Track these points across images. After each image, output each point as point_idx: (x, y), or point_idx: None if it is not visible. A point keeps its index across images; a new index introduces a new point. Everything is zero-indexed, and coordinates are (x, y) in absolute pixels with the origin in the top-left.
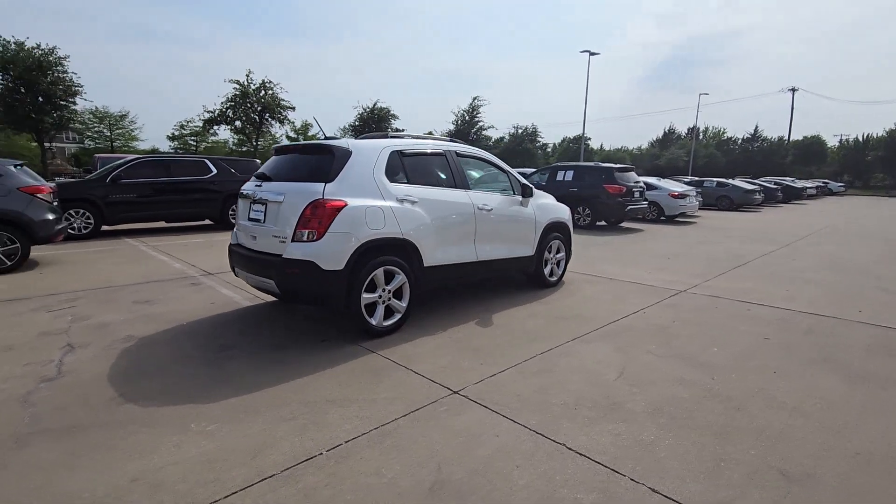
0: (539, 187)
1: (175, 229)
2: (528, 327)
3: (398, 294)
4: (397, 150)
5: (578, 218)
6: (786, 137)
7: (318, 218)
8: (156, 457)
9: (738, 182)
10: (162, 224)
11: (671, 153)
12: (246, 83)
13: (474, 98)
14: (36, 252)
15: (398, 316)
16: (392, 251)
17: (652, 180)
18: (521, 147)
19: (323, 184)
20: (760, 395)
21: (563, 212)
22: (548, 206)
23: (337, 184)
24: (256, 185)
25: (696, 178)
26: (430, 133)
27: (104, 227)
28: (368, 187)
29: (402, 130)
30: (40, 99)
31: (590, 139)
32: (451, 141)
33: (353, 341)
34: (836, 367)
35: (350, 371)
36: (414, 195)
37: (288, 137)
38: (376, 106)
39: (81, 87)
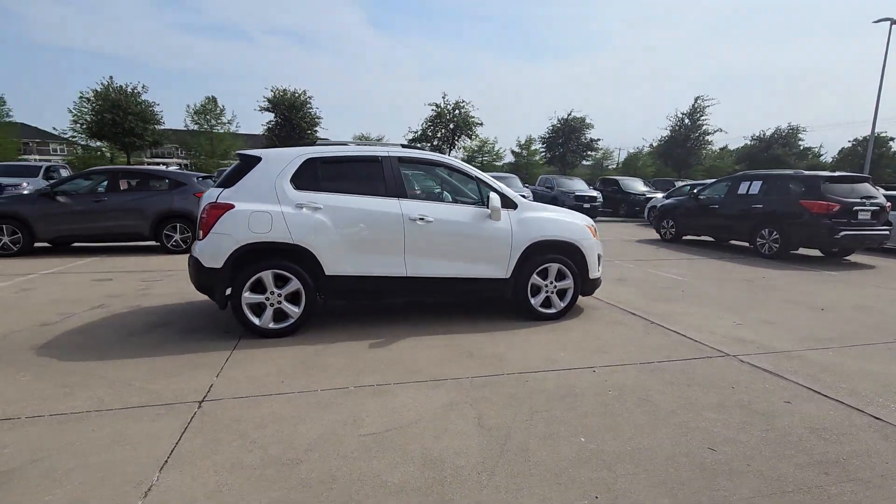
0: (707, 202)
1: None
2: (418, 358)
3: (294, 299)
4: (313, 158)
5: (763, 244)
6: None
7: (207, 219)
8: None
9: None
10: None
11: None
12: (442, 105)
13: (697, 98)
14: None
15: (291, 320)
16: (282, 256)
17: None
18: (766, 153)
19: (222, 189)
20: None
21: (567, 229)
22: (537, 222)
23: (234, 189)
24: None
25: None
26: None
27: None
28: (265, 193)
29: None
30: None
31: (892, 139)
32: (406, 147)
33: (240, 337)
34: None
35: (173, 362)
36: (319, 202)
37: (467, 150)
38: (570, 116)
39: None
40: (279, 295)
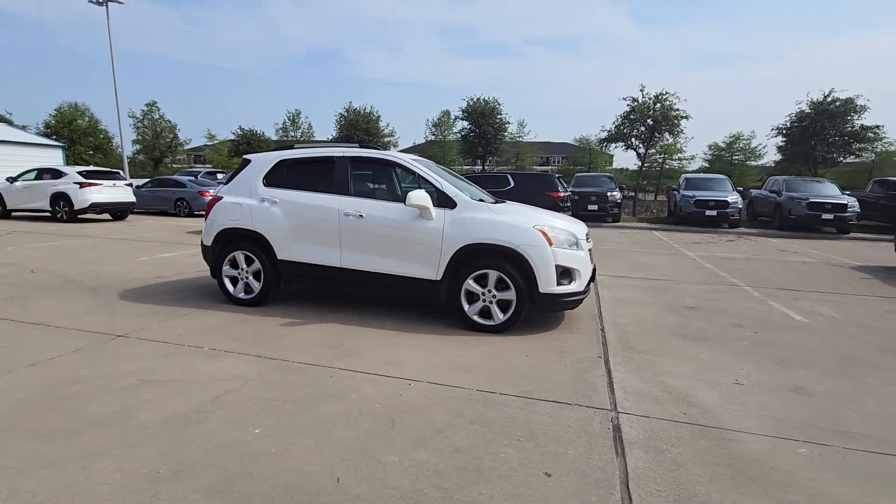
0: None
1: None
2: (299, 341)
3: (257, 276)
4: (284, 160)
5: None
6: None
7: (207, 208)
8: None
9: None
10: None
11: None
12: (641, 98)
13: None
14: None
15: (254, 294)
16: (246, 240)
17: None
18: None
19: (222, 185)
20: None
21: (506, 233)
22: (473, 223)
23: (229, 185)
24: None
25: None
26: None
27: None
28: (245, 189)
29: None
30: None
31: None
32: (363, 147)
33: (223, 302)
34: None
35: (155, 312)
36: (277, 196)
37: (669, 149)
38: (830, 98)
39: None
40: (247, 272)
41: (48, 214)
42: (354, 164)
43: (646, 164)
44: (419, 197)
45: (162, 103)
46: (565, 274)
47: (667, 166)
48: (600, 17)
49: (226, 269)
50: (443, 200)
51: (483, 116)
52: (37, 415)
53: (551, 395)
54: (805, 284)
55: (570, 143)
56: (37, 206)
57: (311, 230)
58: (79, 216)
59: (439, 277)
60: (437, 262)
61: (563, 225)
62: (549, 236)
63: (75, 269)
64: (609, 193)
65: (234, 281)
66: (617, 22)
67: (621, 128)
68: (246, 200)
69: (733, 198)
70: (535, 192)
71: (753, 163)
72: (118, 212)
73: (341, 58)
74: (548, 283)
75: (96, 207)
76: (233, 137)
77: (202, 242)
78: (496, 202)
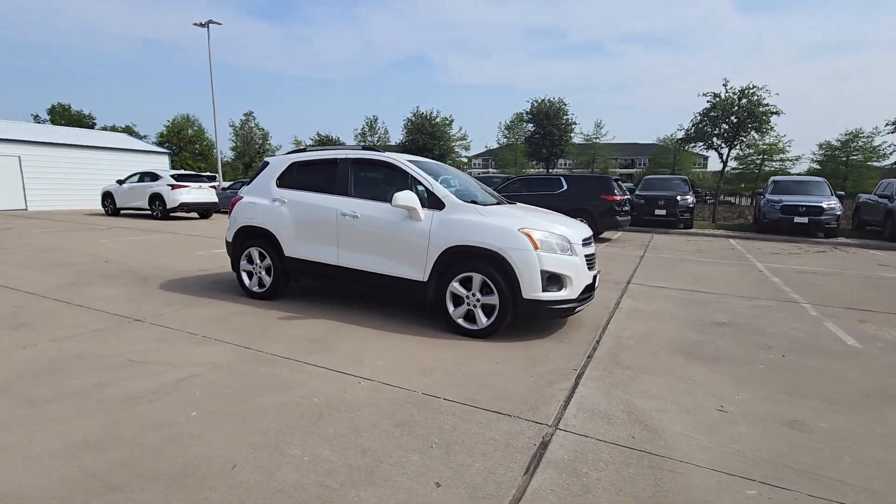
0: None
1: None
2: (284, 335)
3: (269, 272)
4: (295, 162)
5: None
6: None
7: (230, 207)
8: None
9: None
10: None
11: None
12: (724, 94)
13: None
14: None
15: (265, 288)
16: (259, 237)
17: None
18: None
19: (246, 186)
20: None
21: (489, 235)
22: (460, 225)
23: (250, 186)
24: None
25: None
26: None
27: None
28: (262, 190)
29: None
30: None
31: None
32: (366, 149)
33: (240, 295)
34: None
35: (181, 300)
36: (286, 197)
37: (770, 149)
38: None
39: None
40: (260, 267)
41: (148, 212)
42: (356, 165)
43: (740, 167)
44: (405, 197)
45: (262, 112)
46: (553, 280)
47: (766, 168)
48: (700, 9)
49: (243, 263)
50: (433, 202)
51: (548, 118)
52: (32, 382)
53: (496, 405)
54: (884, 305)
55: (657, 144)
56: (138, 204)
57: (313, 229)
58: (170, 214)
59: (426, 279)
60: (423, 264)
61: (557, 229)
62: (534, 239)
63: (141, 260)
64: (679, 197)
65: (251, 275)
66: (718, 11)
67: (701, 126)
68: (261, 200)
69: (830, 203)
70: (589, 195)
71: (876, 163)
72: (203, 211)
73: (428, 64)
74: (532, 289)
75: (185, 206)
76: (311, 143)
77: (226, 238)
78: (498, 204)
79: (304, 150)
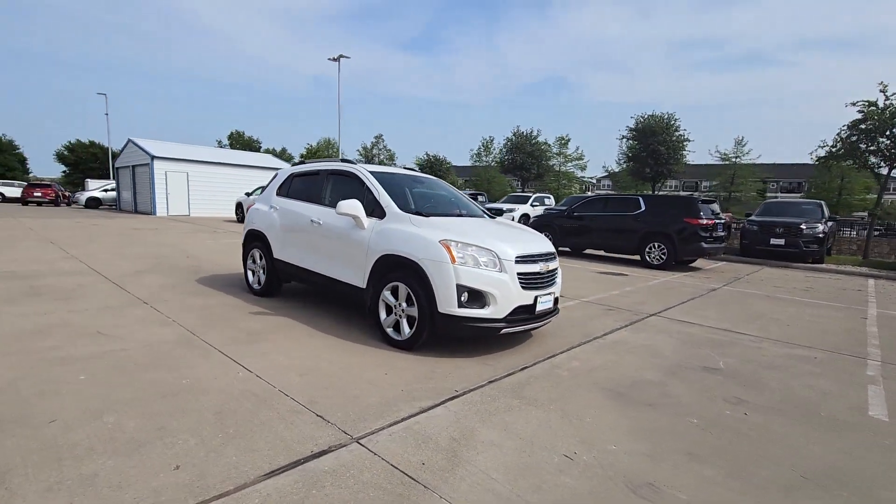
0: None
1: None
2: (251, 326)
3: (265, 271)
4: (293, 173)
5: None
6: None
7: (245, 212)
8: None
9: None
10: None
11: None
12: (884, 101)
13: None
14: None
15: (261, 286)
16: (257, 240)
17: None
18: None
19: (260, 193)
20: None
21: (409, 245)
22: (391, 234)
23: (261, 195)
24: None
25: None
26: None
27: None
28: (267, 197)
29: None
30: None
31: None
32: (343, 161)
33: (243, 292)
34: None
35: (198, 292)
36: (279, 204)
37: None
38: None
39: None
40: (259, 267)
41: None
42: (332, 176)
43: None
44: (348, 206)
45: (396, 134)
46: (475, 296)
47: None
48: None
49: (248, 262)
50: (378, 211)
51: (654, 134)
52: (19, 339)
53: (329, 411)
54: None
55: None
56: None
57: (293, 234)
58: None
59: (364, 286)
60: (363, 271)
61: (487, 242)
62: (452, 252)
63: (214, 259)
64: (805, 225)
65: (254, 273)
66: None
67: (851, 140)
68: (263, 207)
69: None
70: (669, 217)
71: None
72: None
73: (566, 84)
74: (447, 304)
75: None
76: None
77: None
78: (470, 217)
79: (303, 163)
